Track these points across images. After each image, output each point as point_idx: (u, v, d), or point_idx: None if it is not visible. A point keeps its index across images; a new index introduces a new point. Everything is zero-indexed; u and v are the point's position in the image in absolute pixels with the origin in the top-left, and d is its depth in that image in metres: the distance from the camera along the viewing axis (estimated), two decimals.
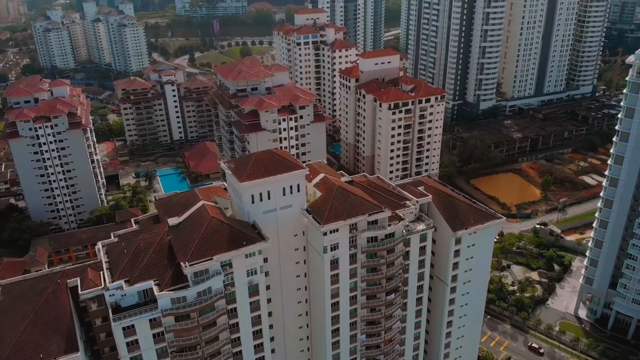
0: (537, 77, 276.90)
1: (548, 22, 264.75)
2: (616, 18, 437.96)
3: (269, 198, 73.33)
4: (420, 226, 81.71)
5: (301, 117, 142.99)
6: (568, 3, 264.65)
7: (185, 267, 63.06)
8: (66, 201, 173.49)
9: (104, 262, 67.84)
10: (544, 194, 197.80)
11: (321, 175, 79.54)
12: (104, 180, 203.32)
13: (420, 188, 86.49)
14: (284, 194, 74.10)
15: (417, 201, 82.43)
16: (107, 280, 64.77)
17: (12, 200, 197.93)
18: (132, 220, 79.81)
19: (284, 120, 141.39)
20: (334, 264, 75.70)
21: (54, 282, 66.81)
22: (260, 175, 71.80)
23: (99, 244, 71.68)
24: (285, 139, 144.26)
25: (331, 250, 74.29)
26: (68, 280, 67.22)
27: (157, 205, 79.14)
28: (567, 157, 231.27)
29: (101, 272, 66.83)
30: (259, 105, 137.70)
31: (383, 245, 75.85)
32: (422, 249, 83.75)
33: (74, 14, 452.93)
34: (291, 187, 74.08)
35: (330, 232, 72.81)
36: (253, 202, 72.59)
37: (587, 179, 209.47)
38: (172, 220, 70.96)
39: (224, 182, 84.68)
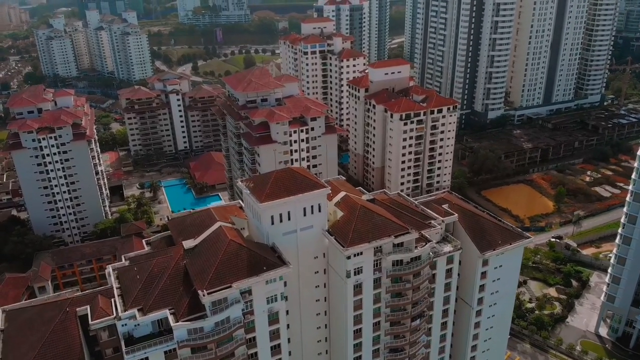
0: (546, 86, 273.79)
1: (557, 30, 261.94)
2: (622, 26, 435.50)
3: (289, 219, 69.35)
4: (447, 247, 77.66)
5: (312, 128, 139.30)
6: (577, 12, 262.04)
7: (204, 295, 58.92)
8: (70, 214, 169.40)
9: (115, 289, 63.73)
10: (557, 205, 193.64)
11: (342, 194, 75.56)
12: (108, 191, 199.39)
13: (445, 206, 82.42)
14: (304, 215, 70.12)
15: (442, 220, 78.39)
16: (119, 309, 60.63)
17: (14, 212, 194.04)
18: (143, 241, 75.63)
19: (294, 132, 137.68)
20: (357, 288, 71.62)
21: (63, 311, 62.62)
22: (281, 195, 67.85)
23: (109, 268, 67.62)
24: (295, 151, 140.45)
25: (355, 274, 70.23)
26: (77, 309, 63.00)
27: (171, 226, 75.01)
28: (579, 167, 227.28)
29: (112, 300, 62.70)
30: (270, 117, 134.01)
31: (409, 268, 71.78)
32: (449, 272, 79.71)
33: (77, 22, 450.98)
34: (312, 207, 70.15)
35: (354, 255, 68.72)
36: (273, 224, 68.59)
37: (601, 191, 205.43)
38: (188, 243, 66.90)
39: (240, 201, 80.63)
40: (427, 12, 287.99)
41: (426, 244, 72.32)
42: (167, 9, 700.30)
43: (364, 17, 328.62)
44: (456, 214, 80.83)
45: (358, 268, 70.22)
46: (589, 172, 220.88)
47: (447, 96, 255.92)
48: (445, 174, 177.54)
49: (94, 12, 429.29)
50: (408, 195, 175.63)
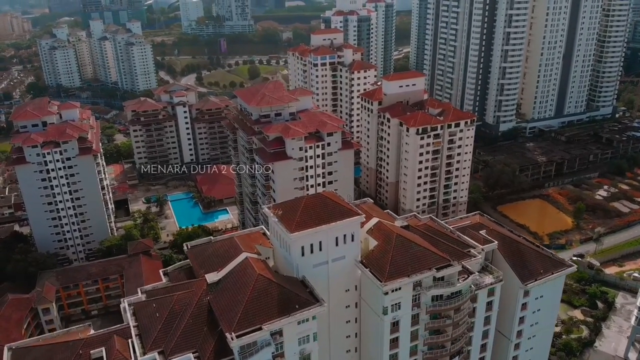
0: (558, 98, 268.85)
1: (569, 42, 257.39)
2: (629, 37, 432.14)
3: (320, 249, 63.83)
4: (488, 279, 72.04)
5: (329, 144, 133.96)
6: (589, 23, 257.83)
7: (232, 339, 53.17)
8: (74, 230, 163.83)
9: (132, 328, 57.98)
10: (575, 222, 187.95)
11: (374, 220, 70.06)
12: (113, 205, 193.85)
13: (482, 232, 76.81)
14: (336, 245, 64.60)
15: (482, 249, 72.77)
16: (137, 351, 54.90)
17: (17, 227, 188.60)
18: (160, 271, 69.91)
19: (310, 147, 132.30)
20: (394, 326, 65.90)
21: (75, 353, 56.87)
22: (312, 223, 62.36)
23: (125, 303, 61.91)
24: (311, 167, 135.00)
25: (392, 311, 64.53)
26: (91, 351, 57.26)
27: (191, 255, 69.38)
28: (595, 182, 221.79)
29: (130, 341, 56.99)
30: (285, 132, 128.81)
31: (450, 303, 66.18)
32: (489, 304, 74.10)
33: (80, 32, 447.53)
34: (345, 236, 64.62)
35: (392, 290, 63.02)
36: (303, 255, 63.07)
37: (619, 206, 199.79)
38: (211, 277, 61.30)
39: (263, 227, 75.01)
40: (437, 23, 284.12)
41: (468, 276, 66.64)
42: (170, 19, 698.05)
43: (372, 28, 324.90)
44: (496, 241, 75.21)
45: (396, 304, 64.59)
46: (605, 187, 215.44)
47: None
48: (462, 190, 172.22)
49: (98, 22, 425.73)
50: (424, 211, 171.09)
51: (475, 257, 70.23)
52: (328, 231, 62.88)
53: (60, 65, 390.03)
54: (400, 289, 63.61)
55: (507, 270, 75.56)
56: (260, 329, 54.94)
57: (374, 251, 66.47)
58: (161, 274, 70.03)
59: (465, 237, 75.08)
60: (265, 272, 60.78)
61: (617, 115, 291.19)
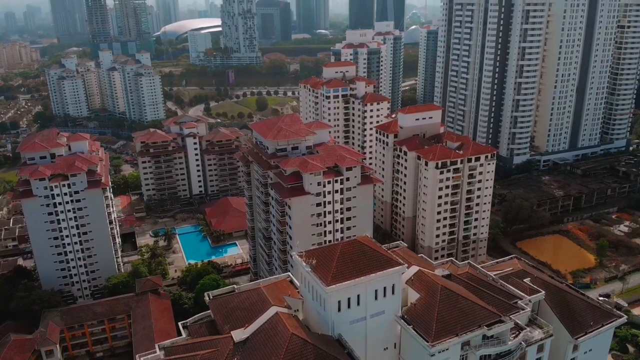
0: (572, 131, 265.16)
1: (582, 74, 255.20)
2: None
3: (358, 304, 57.88)
4: (538, 333, 65.74)
5: (347, 179, 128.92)
6: (602, 55, 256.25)
7: None
8: (80, 266, 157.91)
9: None
10: (598, 259, 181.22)
11: (414, 269, 64.32)
12: (120, 239, 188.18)
13: (527, 280, 70.87)
14: (375, 298, 58.69)
15: (529, 300, 66.72)
16: None
17: (21, 260, 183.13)
18: (179, 324, 63.87)
19: (328, 182, 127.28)
20: None
21: None
22: (350, 275, 56.67)
23: None
24: (329, 202, 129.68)
25: None
26: None
27: (213, 307, 63.45)
28: (615, 217, 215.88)
29: None
30: (303, 167, 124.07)
31: None
32: None
33: (89, 62, 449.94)
34: (385, 288, 58.72)
35: (439, 352, 56.85)
36: (339, 310, 57.10)
37: None
38: (238, 334, 55.35)
39: (290, 274, 69.20)
40: (448, 55, 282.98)
41: (519, 332, 60.47)
42: (178, 50, 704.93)
43: (382, 60, 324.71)
44: (543, 291, 69.22)
45: None
46: (626, 223, 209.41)
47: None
48: (482, 226, 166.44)
49: (107, 53, 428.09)
50: (443, 248, 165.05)
51: (523, 309, 64.22)
52: (367, 284, 57.08)
53: (68, 95, 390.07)
54: (447, 349, 57.46)
55: (555, 322, 69.35)
56: None
57: (416, 305, 60.51)
58: (180, 326, 63.90)
59: (509, 286, 69.13)
60: (299, 330, 54.71)
61: (630, 148, 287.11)
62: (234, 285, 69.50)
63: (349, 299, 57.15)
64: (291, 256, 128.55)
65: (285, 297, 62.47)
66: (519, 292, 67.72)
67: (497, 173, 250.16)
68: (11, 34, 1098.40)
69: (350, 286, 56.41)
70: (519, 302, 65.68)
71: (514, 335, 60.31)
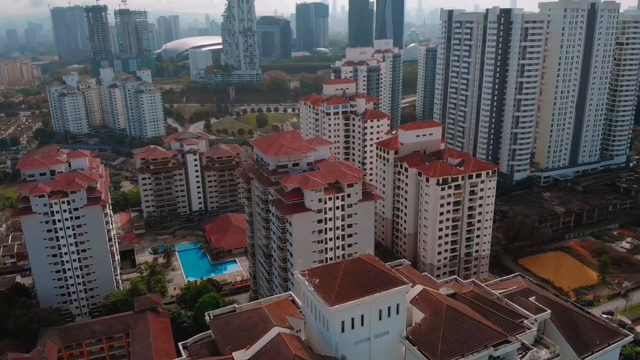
0: (572, 147, 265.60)
1: (581, 91, 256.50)
2: None
3: (362, 324, 56.83)
4: (544, 353, 64.57)
5: (349, 195, 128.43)
6: (601, 72, 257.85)
7: None
8: (79, 284, 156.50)
9: None
10: (601, 276, 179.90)
11: (418, 288, 63.42)
12: (119, 256, 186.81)
13: (532, 299, 69.93)
14: (380, 318, 57.64)
15: (535, 319, 65.74)
16: None
17: (19, 278, 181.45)
18: (180, 344, 62.74)
19: (330, 199, 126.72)
20: None
21: None
22: (354, 294, 55.73)
23: None
24: (330, 219, 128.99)
25: None
26: None
27: (214, 328, 62.33)
28: (616, 233, 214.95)
29: None
30: (304, 184, 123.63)
31: None
32: None
33: (90, 79, 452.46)
34: (389, 308, 57.74)
35: None
36: (343, 331, 56.01)
37: None
38: (239, 355, 54.39)
39: (292, 293, 68.25)
40: (447, 72, 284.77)
41: (525, 352, 59.41)
42: (179, 67, 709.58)
43: (381, 78, 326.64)
44: (549, 310, 68.25)
45: None
46: (628, 239, 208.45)
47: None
48: (484, 242, 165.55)
49: (108, 70, 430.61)
50: (445, 265, 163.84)
51: (530, 329, 63.21)
52: (372, 303, 56.11)
53: (68, 112, 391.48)
54: None
55: (562, 342, 68.23)
56: None
57: (421, 325, 59.46)
58: (180, 347, 62.76)
59: (515, 305, 68.16)
60: (302, 352, 53.63)
61: (630, 164, 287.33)
62: (235, 305, 68.39)
63: (352, 319, 56.03)
64: (292, 274, 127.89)
65: (287, 316, 61.43)
66: (525, 311, 66.76)
67: (497, 189, 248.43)
68: (12, 51, 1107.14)
69: (354, 306, 55.32)
70: (525, 321, 64.69)
71: (520, 355, 59.26)
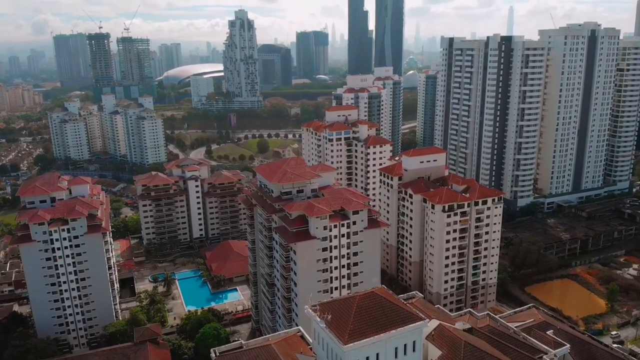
0: (575, 173, 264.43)
1: (583, 117, 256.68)
2: None
3: None
4: None
5: (354, 223, 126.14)
6: (602, 98, 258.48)
7: None
8: (77, 313, 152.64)
9: None
10: (609, 304, 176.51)
11: (434, 323, 60.90)
12: (118, 285, 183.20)
13: (550, 332, 67.34)
14: (396, 356, 54.98)
15: (555, 355, 63.08)
16: None
17: (16, 307, 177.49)
18: None
19: (335, 226, 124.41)
20: None
21: None
22: (368, 331, 53.18)
23: None
24: (335, 247, 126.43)
25: None
26: None
27: None
28: (623, 260, 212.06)
29: None
30: (309, 211, 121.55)
31: None
32: None
33: (92, 106, 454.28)
34: (405, 345, 55.14)
35: None
36: None
37: None
38: None
39: (300, 328, 65.62)
40: (448, 98, 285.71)
41: None
42: (180, 94, 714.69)
43: (382, 104, 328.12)
44: (568, 344, 65.66)
45: None
46: (635, 266, 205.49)
47: None
48: (491, 270, 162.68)
49: (110, 97, 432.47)
50: (452, 294, 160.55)
51: None
52: (387, 341, 53.55)
53: (70, 138, 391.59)
54: None
55: None
56: None
57: None
58: None
59: (533, 339, 65.56)
60: None
61: (634, 190, 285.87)
62: (242, 341, 65.66)
63: (367, 357, 53.44)
64: (296, 304, 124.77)
65: (297, 354, 58.62)
66: (544, 346, 64.16)
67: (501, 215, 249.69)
68: (15, 78, 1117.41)
69: (369, 344, 52.79)
70: (544, 357, 62.08)
71: None
